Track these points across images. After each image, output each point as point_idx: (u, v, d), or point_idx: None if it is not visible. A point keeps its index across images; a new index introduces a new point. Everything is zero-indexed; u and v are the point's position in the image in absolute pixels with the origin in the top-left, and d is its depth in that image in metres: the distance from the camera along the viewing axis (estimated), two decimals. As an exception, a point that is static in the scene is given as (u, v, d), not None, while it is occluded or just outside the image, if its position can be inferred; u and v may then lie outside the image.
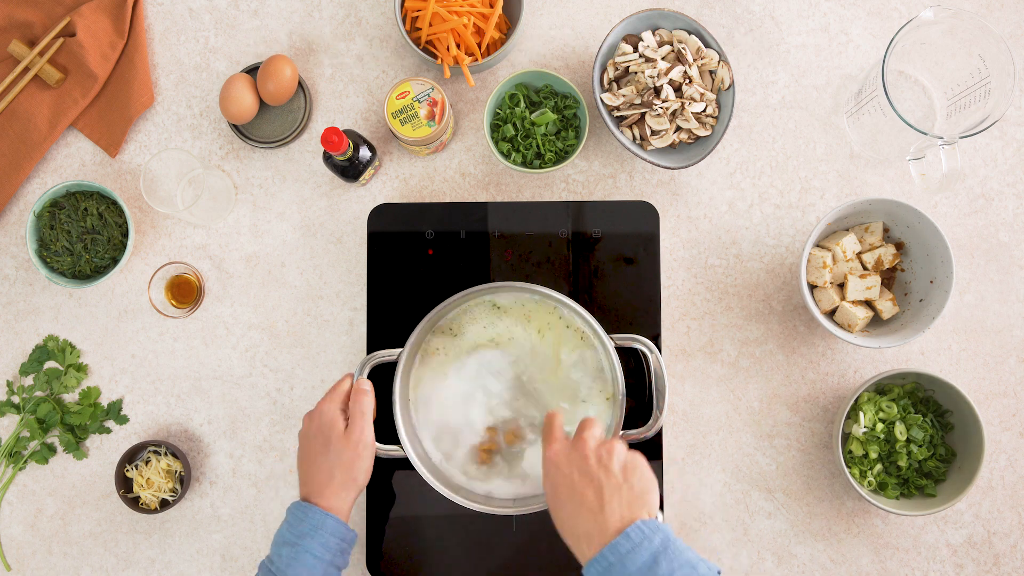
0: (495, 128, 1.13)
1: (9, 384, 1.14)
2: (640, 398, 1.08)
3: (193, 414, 1.13)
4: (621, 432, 1.02)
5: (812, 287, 1.10)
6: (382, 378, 1.04)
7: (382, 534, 1.08)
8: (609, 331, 1.02)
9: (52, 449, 1.13)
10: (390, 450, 1.01)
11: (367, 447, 0.96)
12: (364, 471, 0.96)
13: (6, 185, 1.14)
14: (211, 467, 1.13)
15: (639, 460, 0.84)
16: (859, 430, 1.07)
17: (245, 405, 1.13)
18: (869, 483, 1.08)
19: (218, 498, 1.13)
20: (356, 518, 1.12)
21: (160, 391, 1.14)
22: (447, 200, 1.15)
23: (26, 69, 1.14)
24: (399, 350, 1.02)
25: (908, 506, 1.07)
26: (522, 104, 1.11)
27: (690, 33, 1.11)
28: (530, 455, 1.04)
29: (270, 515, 1.12)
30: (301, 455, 0.97)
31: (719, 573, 0.79)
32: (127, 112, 1.14)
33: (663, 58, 1.10)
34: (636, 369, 1.08)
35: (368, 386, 0.99)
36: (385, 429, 1.04)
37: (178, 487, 1.11)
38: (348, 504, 0.95)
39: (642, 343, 1.03)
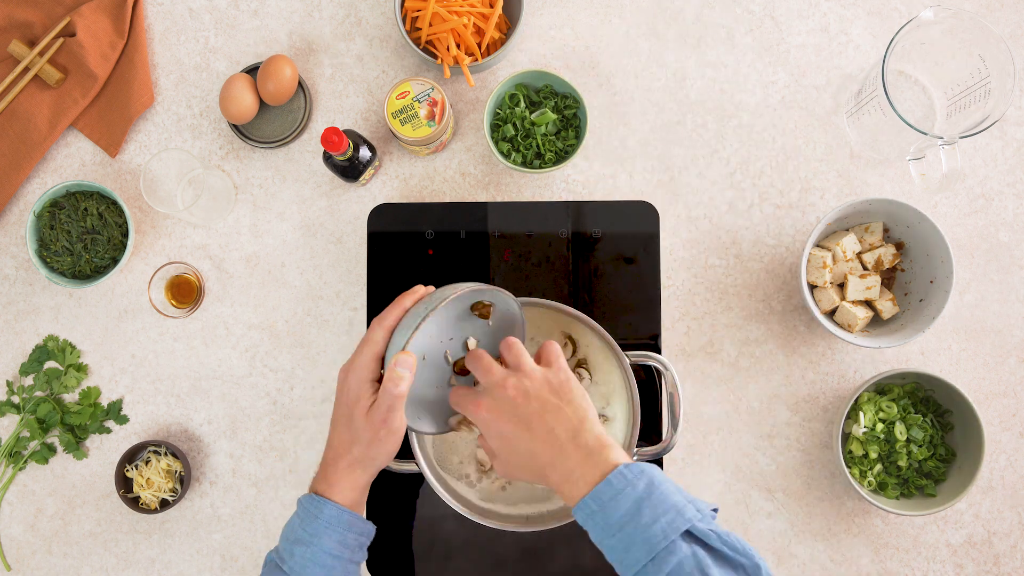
0: (495, 128, 1.13)
1: (9, 384, 1.14)
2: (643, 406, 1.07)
3: (193, 414, 1.13)
4: (636, 448, 1.01)
5: (812, 287, 1.10)
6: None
7: (382, 534, 1.08)
8: (608, 330, 1.02)
9: (52, 449, 1.13)
10: (403, 465, 1.01)
11: (391, 433, 0.85)
12: (385, 455, 0.87)
13: (6, 185, 1.14)
14: (211, 467, 1.13)
15: (560, 376, 0.82)
16: (859, 430, 1.07)
17: (245, 405, 1.13)
18: (869, 483, 1.08)
19: (218, 498, 1.13)
20: (356, 518, 1.12)
21: (160, 391, 1.14)
22: (447, 200, 1.15)
23: (26, 69, 1.14)
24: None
25: (908, 506, 1.07)
26: (522, 104, 1.11)
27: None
28: None
29: (270, 515, 1.12)
30: (333, 413, 0.89)
31: (715, 511, 0.75)
32: (127, 112, 1.14)
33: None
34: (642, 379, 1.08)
35: (410, 363, 0.85)
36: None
37: (178, 487, 1.11)
38: (362, 484, 0.87)
39: (657, 360, 1.01)
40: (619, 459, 0.77)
